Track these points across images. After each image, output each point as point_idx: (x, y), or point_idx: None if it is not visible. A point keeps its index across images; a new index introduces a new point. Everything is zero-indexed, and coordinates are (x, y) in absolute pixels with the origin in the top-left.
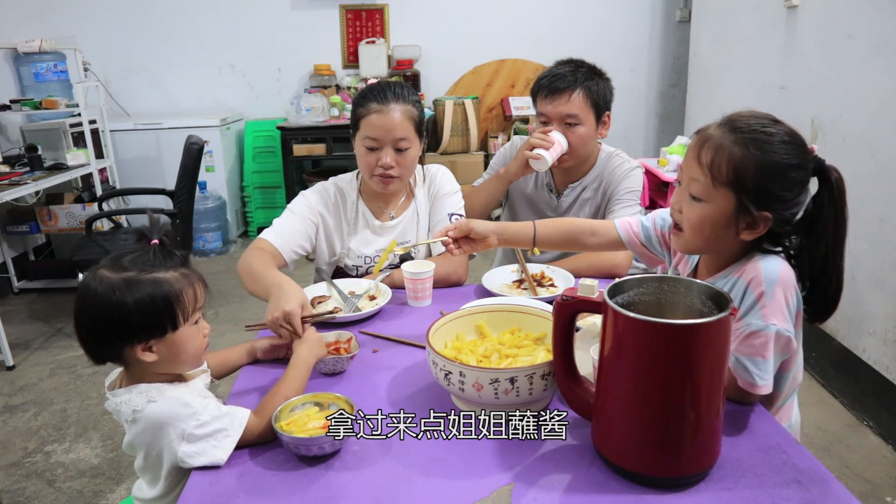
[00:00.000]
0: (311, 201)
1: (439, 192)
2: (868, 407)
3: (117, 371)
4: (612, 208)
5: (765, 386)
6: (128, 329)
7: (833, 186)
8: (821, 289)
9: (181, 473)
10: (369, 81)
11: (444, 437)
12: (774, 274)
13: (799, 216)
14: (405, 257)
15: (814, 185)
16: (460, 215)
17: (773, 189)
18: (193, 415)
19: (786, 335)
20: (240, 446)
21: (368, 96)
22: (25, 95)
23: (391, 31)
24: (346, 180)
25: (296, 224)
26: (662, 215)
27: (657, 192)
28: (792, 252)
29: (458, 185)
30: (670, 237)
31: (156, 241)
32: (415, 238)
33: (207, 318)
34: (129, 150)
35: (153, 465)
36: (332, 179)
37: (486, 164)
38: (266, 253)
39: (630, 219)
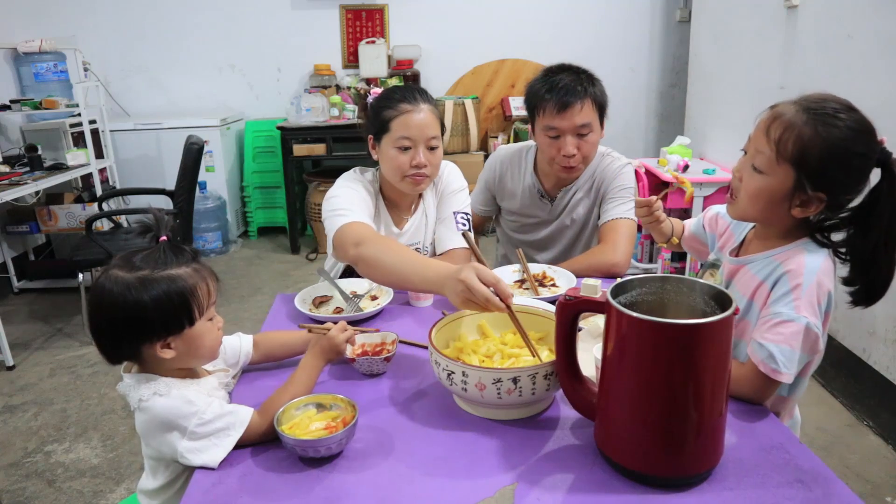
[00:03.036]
0: (360, 193)
1: (447, 189)
2: (868, 407)
3: None
4: (605, 207)
5: (787, 374)
6: (146, 327)
7: (894, 179)
8: (870, 276)
9: (179, 467)
10: (372, 81)
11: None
12: (815, 270)
13: (854, 204)
14: None
15: (875, 176)
16: (465, 213)
17: (833, 172)
18: (196, 413)
19: (815, 331)
20: (243, 445)
21: (395, 98)
22: (25, 95)
23: (391, 31)
24: (369, 179)
25: (364, 208)
26: (716, 209)
27: (657, 192)
28: (841, 250)
29: (466, 182)
30: (716, 220)
31: (164, 237)
32: (423, 238)
33: None
34: (129, 150)
35: (157, 456)
36: (358, 176)
37: None
38: (388, 238)
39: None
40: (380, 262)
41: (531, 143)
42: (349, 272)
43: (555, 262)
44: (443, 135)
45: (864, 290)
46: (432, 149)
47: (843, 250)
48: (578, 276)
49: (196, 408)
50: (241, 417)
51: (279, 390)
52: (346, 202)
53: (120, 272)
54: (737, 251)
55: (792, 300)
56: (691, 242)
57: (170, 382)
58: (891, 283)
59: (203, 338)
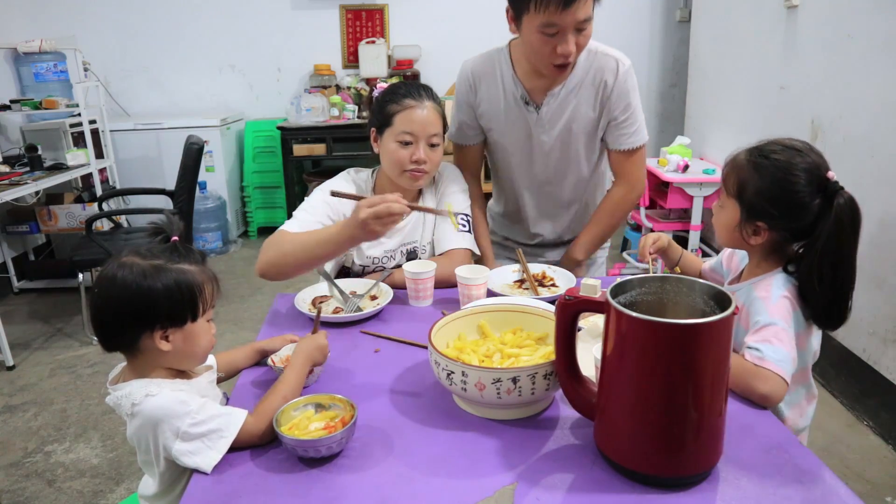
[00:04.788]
0: (331, 203)
1: (447, 190)
2: (868, 407)
3: (120, 367)
4: (613, 133)
5: (772, 362)
6: (153, 313)
7: (832, 211)
8: (820, 301)
9: (177, 472)
10: (372, 81)
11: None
12: (782, 288)
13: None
14: (410, 256)
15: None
16: (465, 215)
17: (763, 205)
18: (189, 413)
19: (790, 331)
20: (239, 448)
21: (400, 93)
22: (25, 95)
23: (391, 31)
24: (363, 179)
25: (321, 212)
26: None
27: (657, 192)
28: (790, 268)
29: (466, 184)
30: (731, 256)
31: (175, 238)
32: (420, 238)
33: None
34: (129, 150)
35: (152, 461)
36: (351, 175)
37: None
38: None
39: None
40: (282, 256)
41: (500, 46)
42: (347, 272)
43: (570, 205)
44: (445, 133)
45: (821, 314)
46: (433, 146)
47: (791, 269)
48: (613, 230)
49: (189, 408)
50: (235, 419)
51: (269, 391)
52: (301, 209)
53: (135, 259)
54: (736, 280)
55: (765, 308)
56: (711, 276)
57: (161, 383)
58: (838, 312)
59: (200, 337)
